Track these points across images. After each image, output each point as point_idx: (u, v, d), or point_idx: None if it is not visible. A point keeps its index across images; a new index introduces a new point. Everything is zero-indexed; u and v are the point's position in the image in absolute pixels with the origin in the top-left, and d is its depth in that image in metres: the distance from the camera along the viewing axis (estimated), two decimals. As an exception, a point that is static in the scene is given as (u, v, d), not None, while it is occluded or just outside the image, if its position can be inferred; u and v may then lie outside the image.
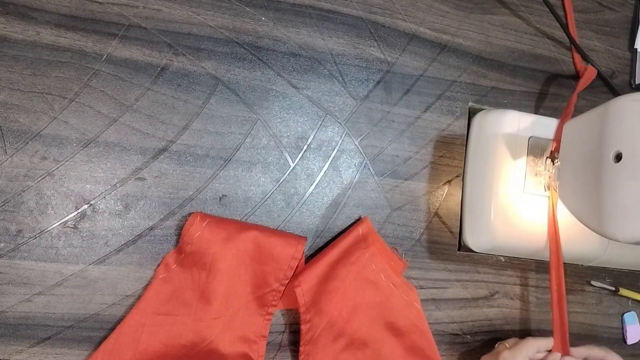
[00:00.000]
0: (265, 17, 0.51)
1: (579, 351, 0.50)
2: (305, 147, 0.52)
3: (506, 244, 0.52)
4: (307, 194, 0.51)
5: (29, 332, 0.44)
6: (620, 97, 0.42)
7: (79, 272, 0.45)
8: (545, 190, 0.52)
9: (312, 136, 0.52)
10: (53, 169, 0.45)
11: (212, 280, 0.46)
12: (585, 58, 0.61)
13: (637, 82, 0.64)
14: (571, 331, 0.58)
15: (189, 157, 0.48)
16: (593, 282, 0.59)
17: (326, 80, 0.53)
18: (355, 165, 0.53)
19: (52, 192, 0.45)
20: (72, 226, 0.45)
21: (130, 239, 0.46)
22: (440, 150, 0.56)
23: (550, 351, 0.50)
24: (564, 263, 0.51)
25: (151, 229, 0.47)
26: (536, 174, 0.53)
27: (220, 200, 0.49)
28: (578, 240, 0.52)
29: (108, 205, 0.46)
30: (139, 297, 0.46)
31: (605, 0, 0.65)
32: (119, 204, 0.46)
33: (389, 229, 0.53)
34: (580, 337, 0.59)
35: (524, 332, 0.57)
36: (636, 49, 0.64)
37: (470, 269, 0.56)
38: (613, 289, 0.59)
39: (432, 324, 0.53)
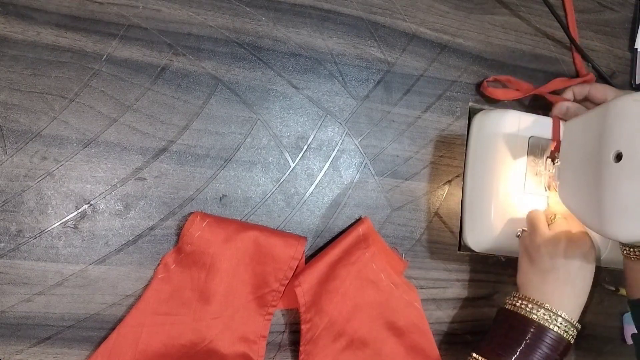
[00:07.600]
0: (266, 17, 0.51)
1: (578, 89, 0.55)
2: (305, 147, 0.52)
3: (506, 244, 0.52)
4: (307, 194, 0.51)
5: (29, 332, 0.44)
6: (620, 97, 0.42)
7: (79, 272, 0.45)
8: (546, 190, 0.52)
9: (312, 136, 0.52)
10: (53, 169, 0.45)
11: (211, 280, 0.46)
12: (585, 58, 0.61)
13: (637, 82, 0.64)
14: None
15: (189, 157, 0.48)
16: (593, 282, 0.59)
17: (326, 80, 0.53)
18: (355, 165, 0.53)
19: (52, 192, 0.45)
20: (73, 226, 0.45)
21: (131, 239, 0.46)
22: (441, 150, 0.56)
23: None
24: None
25: (151, 229, 0.47)
26: (536, 174, 0.52)
27: (220, 200, 0.49)
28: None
29: (108, 205, 0.46)
30: (139, 297, 0.46)
31: (606, 0, 0.65)
32: (119, 204, 0.46)
33: (389, 229, 0.53)
34: (581, 337, 0.58)
35: (524, 332, 0.57)
36: (636, 48, 0.64)
37: (470, 269, 0.56)
38: (613, 288, 0.59)
39: (433, 323, 0.53)
